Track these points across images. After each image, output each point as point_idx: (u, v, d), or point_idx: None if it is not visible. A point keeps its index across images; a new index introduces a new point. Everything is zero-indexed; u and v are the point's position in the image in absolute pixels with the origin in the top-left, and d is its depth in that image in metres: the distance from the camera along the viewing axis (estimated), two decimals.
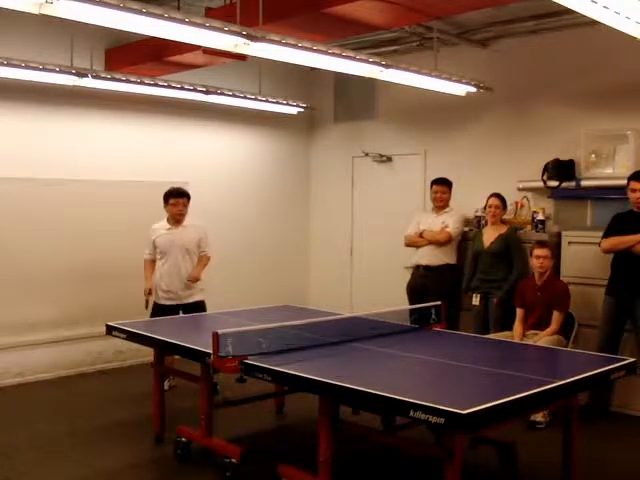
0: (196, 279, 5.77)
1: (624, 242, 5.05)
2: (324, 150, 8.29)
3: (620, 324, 5.20)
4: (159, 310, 5.73)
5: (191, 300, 5.77)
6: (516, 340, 5.22)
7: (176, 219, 5.77)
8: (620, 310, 5.17)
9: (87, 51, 5.65)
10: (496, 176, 6.51)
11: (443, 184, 6.31)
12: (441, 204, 6.29)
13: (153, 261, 5.86)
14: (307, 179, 8.43)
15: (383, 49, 6.96)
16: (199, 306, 5.78)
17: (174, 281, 5.76)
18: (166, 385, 5.55)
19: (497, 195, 5.89)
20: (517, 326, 5.34)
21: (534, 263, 5.32)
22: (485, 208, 5.99)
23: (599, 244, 5.17)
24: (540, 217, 5.96)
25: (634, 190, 5.06)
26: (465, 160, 6.91)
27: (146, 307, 5.74)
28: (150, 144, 6.97)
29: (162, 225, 5.81)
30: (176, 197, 5.72)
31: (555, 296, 5.25)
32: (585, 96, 6.10)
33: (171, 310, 5.69)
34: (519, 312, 5.38)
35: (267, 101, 6.52)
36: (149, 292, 5.75)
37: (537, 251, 5.30)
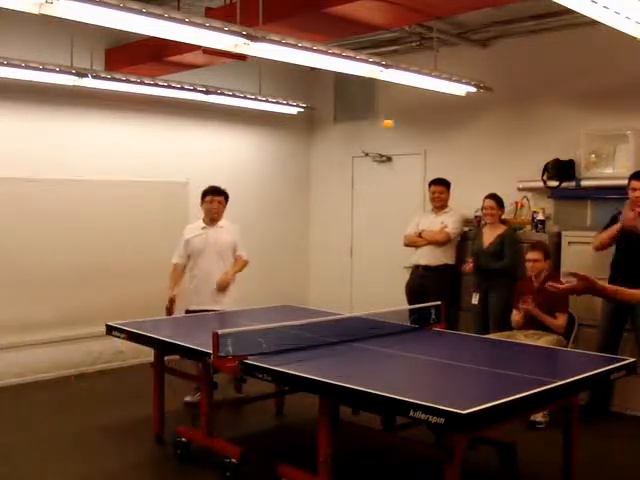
0: (225, 285, 5.45)
1: (607, 236, 5.08)
2: (324, 150, 8.29)
3: (620, 324, 5.20)
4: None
5: (219, 307, 5.44)
6: (515, 329, 5.28)
7: (211, 217, 5.54)
8: (620, 310, 5.17)
9: (87, 51, 5.65)
10: (496, 176, 6.51)
11: (441, 184, 6.32)
12: (439, 204, 6.30)
13: (183, 266, 5.57)
14: (307, 179, 8.43)
15: (383, 49, 6.96)
16: None
17: (205, 284, 5.45)
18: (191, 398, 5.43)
19: (492, 196, 5.89)
20: (515, 314, 5.35)
21: (527, 265, 5.34)
22: (482, 210, 6.00)
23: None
24: (540, 217, 5.96)
25: (635, 189, 5.07)
26: (465, 160, 6.91)
27: (168, 314, 5.38)
28: (150, 144, 6.97)
29: (197, 225, 5.60)
30: (212, 195, 5.53)
31: (554, 298, 5.22)
32: (585, 96, 6.10)
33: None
34: (515, 312, 5.39)
35: (267, 101, 6.52)
36: (172, 301, 5.38)
37: (528, 254, 5.33)
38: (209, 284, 5.45)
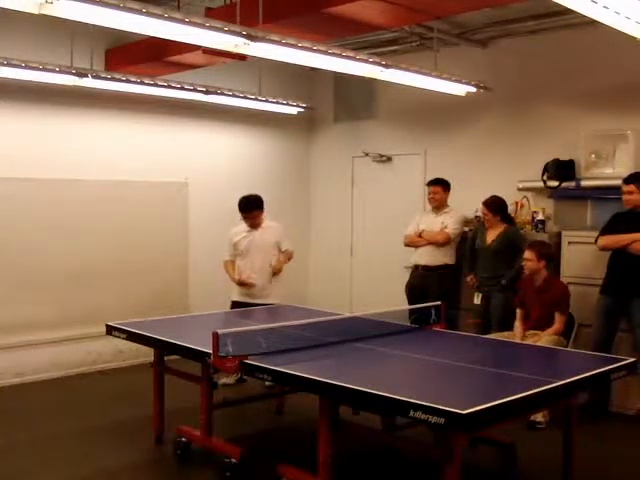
0: (278, 270, 6.01)
1: (620, 241, 5.07)
2: (324, 150, 8.29)
3: (614, 323, 5.21)
4: (234, 307, 5.95)
5: (267, 301, 5.88)
6: (517, 339, 5.22)
7: (252, 227, 6.00)
8: (615, 309, 5.18)
9: (87, 51, 5.64)
10: (496, 176, 6.51)
11: (437, 185, 6.32)
12: (435, 204, 6.30)
13: (232, 261, 6.08)
14: (307, 179, 8.43)
15: (383, 49, 6.96)
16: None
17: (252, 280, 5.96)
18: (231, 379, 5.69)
19: (484, 202, 5.89)
20: (517, 325, 5.34)
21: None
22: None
23: (595, 240, 5.20)
24: (540, 217, 5.97)
25: (624, 192, 5.14)
26: (465, 160, 6.92)
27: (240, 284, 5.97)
28: (150, 144, 6.97)
29: (242, 228, 6.02)
30: (242, 212, 5.93)
31: (555, 297, 5.23)
32: (585, 96, 6.10)
33: (246, 307, 5.79)
34: (518, 312, 5.38)
35: (267, 101, 6.52)
36: (241, 281, 5.93)
37: (524, 253, 5.32)
38: (256, 276, 5.94)
